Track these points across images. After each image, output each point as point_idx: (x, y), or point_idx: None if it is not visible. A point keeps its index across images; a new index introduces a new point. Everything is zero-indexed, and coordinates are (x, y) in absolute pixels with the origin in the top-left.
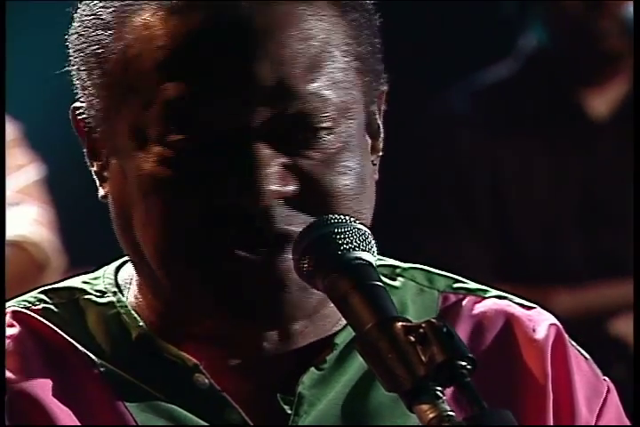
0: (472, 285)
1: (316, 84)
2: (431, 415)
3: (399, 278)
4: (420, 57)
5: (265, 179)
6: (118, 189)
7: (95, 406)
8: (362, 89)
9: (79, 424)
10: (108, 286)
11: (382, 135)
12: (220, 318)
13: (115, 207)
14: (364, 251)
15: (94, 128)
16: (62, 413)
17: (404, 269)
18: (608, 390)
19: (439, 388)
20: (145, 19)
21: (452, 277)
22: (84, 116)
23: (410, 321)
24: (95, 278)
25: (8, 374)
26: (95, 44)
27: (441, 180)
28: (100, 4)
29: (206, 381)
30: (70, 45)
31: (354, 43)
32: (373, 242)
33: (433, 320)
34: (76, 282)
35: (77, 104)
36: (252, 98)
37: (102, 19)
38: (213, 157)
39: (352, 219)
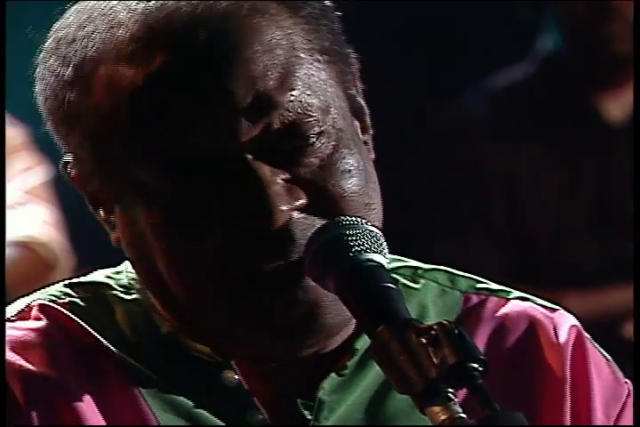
0: (494, 286)
1: (294, 93)
2: (443, 417)
3: (420, 280)
4: (436, 59)
5: (274, 199)
6: (132, 236)
7: (119, 403)
8: (336, 80)
9: (102, 425)
10: (132, 282)
11: (367, 112)
12: (259, 342)
13: (133, 253)
14: (376, 252)
15: (89, 180)
16: (86, 407)
17: (426, 270)
18: (628, 394)
19: (451, 390)
20: (108, 72)
21: (474, 278)
22: (76, 170)
23: (421, 323)
24: (118, 273)
25: (34, 367)
26: (67, 105)
27: (456, 182)
28: (58, 62)
29: (235, 377)
30: (40, 104)
31: (315, 38)
32: (385, 244)
33: (444, 322)
34: (99, 276)
35: (66, 158)
36: (236, 121)
37: (65, 77)
38: (217, 188)
39: (363, 220)
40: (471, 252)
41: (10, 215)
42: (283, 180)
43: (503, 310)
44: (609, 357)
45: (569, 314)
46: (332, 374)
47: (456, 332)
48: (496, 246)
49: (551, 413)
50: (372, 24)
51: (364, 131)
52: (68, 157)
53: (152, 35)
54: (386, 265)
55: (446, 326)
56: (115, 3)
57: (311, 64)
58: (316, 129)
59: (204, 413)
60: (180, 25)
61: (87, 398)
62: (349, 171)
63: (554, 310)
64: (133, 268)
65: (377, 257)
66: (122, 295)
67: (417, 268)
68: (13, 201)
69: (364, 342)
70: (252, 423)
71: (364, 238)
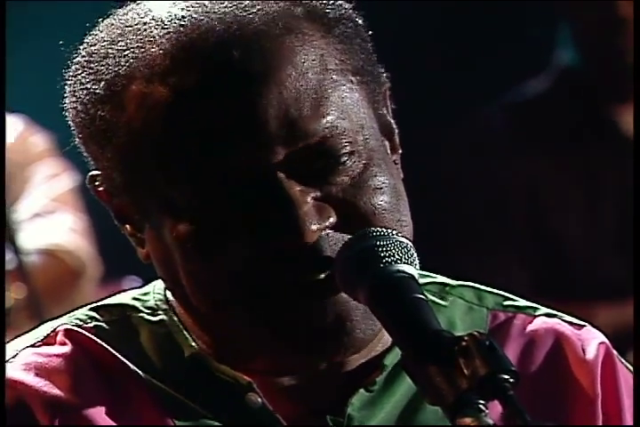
0: (522, 302)
1: (327, 119)
2: None
3: (448, 297)
4: (453, 73)
5: (304, 219)
6: (160, 253)
7: (146, 424)
8: (368, 100)
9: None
10: (158, 303)
11: (397, 131)
12: (287, 356)
13: (161, 270)
14: (406, 264)
15: (117, 196)
16: None
17: (453, 286)
18: None
19: (482, 401)
20: (140, 88)
21: (501, 295)
22: (104, 185)
23: (452, 334)
24: (145, 294)
25: (60, 392)
26: (98, 121)
27: (478, 196)
28: (90, 77)
29: (259, 400)
30: (70, 119)
31: (348, 58)
32: (415, 255)
33: (475, 333)
34: (126, 298)
35: (94, 173)
36: (267, 144)
37: (96, 93)
38: (247, 206)
39: (394, 232)
40: (497, 267)
41: (38, 223)
42: (313, 199)
43: (530, 328)
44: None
45: (596, 330)
46: (362, 390)
47: (487, 343)
48: (521, 261)
49: None
50: (388, 39)
51: (393, 150)
52: (96, 172)
53: (185, 53)
54: (416, 276)
55: (477, 337)
56: (147, 19)
57: (344, 85)
58: (348, 149)
59: None
60: (213, 44)
61: (113, 420)
62: (380, 188)
63: (581, 327)
64: (165, 284)
65: (407, 268)
66: (148, 317)
67: (445, 284)
68: (41, 209)
69: (393, 358)
70: None
71: (394, 249)
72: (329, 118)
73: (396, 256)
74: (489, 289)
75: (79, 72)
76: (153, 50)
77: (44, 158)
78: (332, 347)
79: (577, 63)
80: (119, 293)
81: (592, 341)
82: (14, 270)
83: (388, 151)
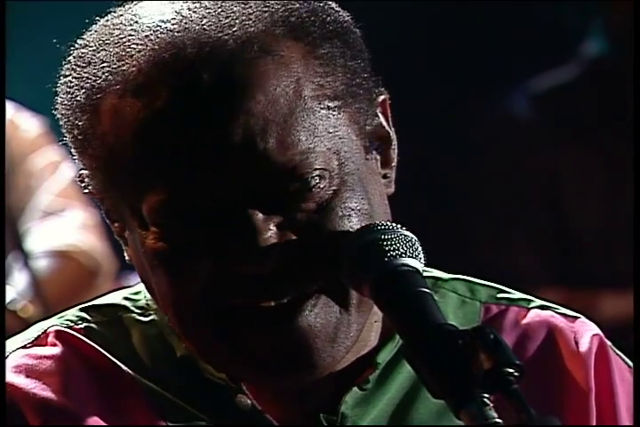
0: (515, 295)
1: (295, 147)
2: (478, 422)
3: (440, 290)
4: (480, 61)
5: (264, 245)
6: (135, 258)
7: (138, 425)
8: (350, 120)
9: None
10: (149, 302)
11: (394, 143)
12: (251, 378)
13: (139, 274)
14: (411, 257)
15: (101, 199)
16: None
17: (445, 280)
18: None
19: (486, 395)
20: (113, 102)
21: (494, 287)
22: (90, 185)
23: (457, 328)
24: (136, 293)
25: (51, 394)
26: (76, 129)
27: (498, 183)
28: (74, 83)
29: (248, 401)
30: (60, 117)
31: (328, 81)
32: (420, 249)
33: (480, 327)
34: (117, 298)
35: (81, 171)
36: (232, 170)
37: (78, 100)
38: (211, 230)
39: (398, 225)
40: (512, 253)
41: (49, 223)
42: (276, 226)
43: (523, 320)
44: (631, 363)
45: (590, 322)
46: (355, 389)
47: (492, 337)
48: (537, 248)
49: (576, 420)
50: (416, 25)
51: (385, 164)
52: (83, 171)
53: (157, 71)
54: (421, 269)
55: (482, 330)
56: (132, 29)
57: (318, 112)
58: (317, 176)
59: None
60: (183, 65)
61: (105, 421)
62: (349, 215)
63: (575, 319)
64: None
65: (412, 262)
66: (139, 318)
67: (437, 278)
68: (50, 207)
69: (385, 356)
70: None
71: (399, 243)
72: (298, 147)
73: (401, 250)
74: (482, 282)
75: (67, 73)
76: (128, 65)
77: (42, 147)
78: (292, 373)
79: (606, 53)
80: (114, 291)
81: (585, 333)
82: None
83: (376, 166)
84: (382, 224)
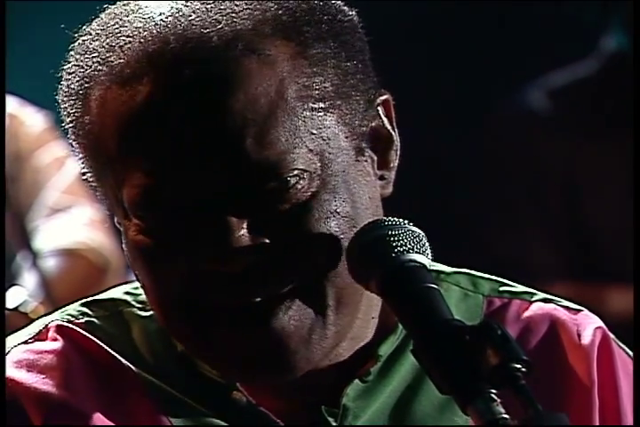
0: (518, 288)
1: (273, 148)
2: (486, 418)
3: (443, 284)
4: (498, 55)
5: (235, 244)
6: (125, 249)
7: (139, 420)
8: (339, 121)
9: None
10: None
11: (397, 144)
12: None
13: (129, 263)
14: (418, 253)
15: (95, 188)
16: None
17: (448, 273)
18: None
19: (494, 390)
20: (100, 93)
21: (497, 281)
22: (84, 170)
23: (464, 323)
24: (137, 288)
25: (52, 388)
26: (69, 116)
27: (515, 179)
28: (71, 70)
29: (244, 398)
30: (59, 102)
31: (316, 83)
32: (427, 244)
33: (488, 322)
34: (118, 293)
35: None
36: (208, 169)
37: (71, 88)
38: (187, 227)
39: (406, 221)
40: (528, 248)
41: (57, 220)
42: (249, 225)
43: (526, 313)
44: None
45: (593, 315)
46: (356, 381)
47: (499, 332)
48: (553, 243)
49: (579, 413)
50: (435, 21)
51: (383, 165)
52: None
53: (142, 65)
54: (428, 265)
55: (490, 326)
56: (127, 20)
57: (302, 113)
58: (294, 177)
59: (225, 425)
60: (168, 59)
61: (106, 416)
62: (326, 217)
63: (577, 312)
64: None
65: (419, 257)
66: (139, 312)
67: (440, 272)
68: (57, 204)
69: (387, 348)
70: None
71: (406, 239)
72: (276, 147)
73: (408, 246)
74: (485, 275)
75: (68, 60)
76: (116, 56)
77: (48, 142)
78: (266, 374)
79: (625, 48)
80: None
81: (588, 325)
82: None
83: (371, 168)
84: (389, 220)
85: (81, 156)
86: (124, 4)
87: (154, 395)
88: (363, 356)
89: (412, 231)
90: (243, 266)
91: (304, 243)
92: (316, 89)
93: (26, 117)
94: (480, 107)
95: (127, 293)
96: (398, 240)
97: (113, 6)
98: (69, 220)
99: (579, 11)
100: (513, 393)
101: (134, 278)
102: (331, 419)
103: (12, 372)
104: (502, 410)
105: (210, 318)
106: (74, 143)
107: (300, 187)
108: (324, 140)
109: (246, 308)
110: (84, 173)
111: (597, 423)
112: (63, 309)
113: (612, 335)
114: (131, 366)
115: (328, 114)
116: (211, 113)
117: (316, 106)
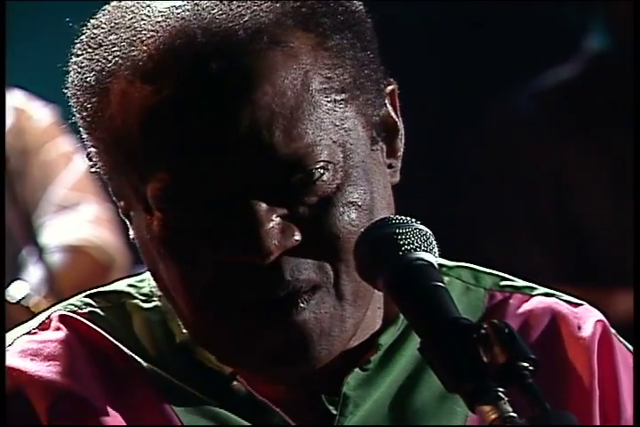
0: (519, 282)
1: (301, 140)
2: (493, 416)
3: (445, 278)
4: (483, 58)
5: (265, 236)
6: (140, 239)
7: (142, 408)
8: (357, 112)
9: (128, 425)
10: (153, 289)
11: (401, 132)
12: (248, 367)
13: (142, 256)
14: (426, 251)
15: (108, 179)
16: (110, 416)
17: (450, 267)
18: None
19: (501, 389)
20: (122, 87)
21: (498, 275)
22: (96, 165)
23: (471, 322)
24: (141, 281)
25: (56, 376)
26: (85, 111)
27: (504, 181)
28: (84, 64)
29: (243, 388)
30: (70, 97)
31: (336, 74)
32: (435, 242)
33: (495, 321)
34: (122, 285)
35: (89, 150)
36: (237, 160)
37: (87, 82)
38: (215, 219)
39: (413, 219)
40: (519, 251)
41: (64, 217)
42: (279, 217)
43: (527, 307)
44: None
45: (594, 309)
46: (357, 369)
47: (506, 331)
48: (544, 245)
49: (579, 405)
50: (419, 25)
51: (391, 154)
52: (91, 149)
53: (167, 59)
54: (435, 263)
55: (496, 324)
56: (144, 13)
57: (325, 105)
58: (321, 169)
59: (227, 413)
60: (193, 54)
61: (109, 404)
62: (350, 209)
63: (578, 305)
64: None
65: (427, 256)
66: (141, 304)
67: (441, 265)
68: (64, 200)
69: (388, 338)
70: (273, 424)
71: (413, 237)
72: (303, 140)
73: (416, 244)
74: (486, 270)
75: (79, 53)
76: (138, 51)
77: (55, 137)
78: (287, 365)
79: (608, 49)
80: (119, 280)
81: (589, 319)
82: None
83: (381, 156)
84: (397, 218)
85: (96, 150)
86: None
87: (155, 383)
88: (364, 345)
89: (420, 229)
90: (271, 258)
91: (329, 236)
92: (336, 81)
93: (33, 111)
94: (466, 111)
95: (130, 285)
96: (406, 238)
97: (119, 1)
98: (76, 217)
99: (562, 11)
100: (520, 392)
101: (138, 275)
102: (331, 407)
103: (16, 361)
104: (510, 409)
105: (234, 310)
106: (88, 137)
107: (325, 179)
108: (345, 131)
109: (271, 301)
110: (97, 168)
111: (597, 416)
112: (67, 301)
113: (612, 330)
114: (133, 355)
115: (348, 105)
116: (239, 106)
117: (337, 97)
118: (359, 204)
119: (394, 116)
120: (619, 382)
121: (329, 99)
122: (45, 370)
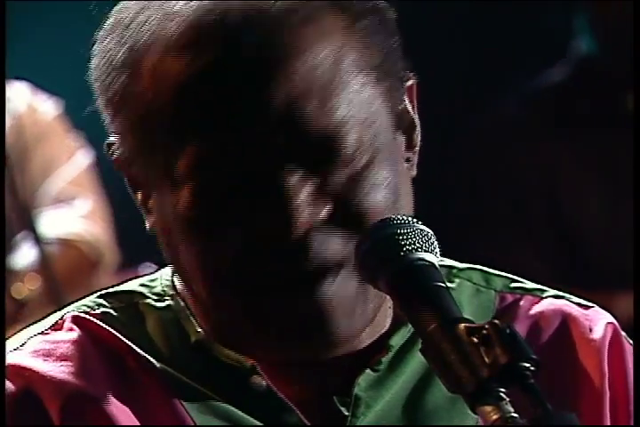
0: (530, 284)
1: (334, 115)
2: (494, 417)
3: (455, 279)
4: (472, 61)
5: (296, 208)
6: (162, 223)
7: (155, 408)
8: (383, 96)
9: (140, 425)
10: (165, 289)
11: (418, 129)
12: (275, 348)
13: (162, 239)
14: (427, 252)
15: (130, 163)
16: (123, 415)
17: (461, 269)
18: None
19: (502, 389)
20: (157, 61)
21: (509, 277)
22: (118, 151)
23: (473, 322)
24: (152, 280)
25: (68, 377)
26: (115, 87)
27: (495, 182)
28: (112, 44)
29: (263, 383)
30: (92, 82)
31: (365, 55)
32: (436, 243)
33: (496, 321)
34: (133, 285)
35: (110, 140)
36: (271, 133)
37: (117, 59)
38: (244, 193)
39: (414, 220)
40: (512, 253)
41: (59, 210)
42: (309, 190)
43: (537, 309)
44: None
45: (605, 311)
46: (368, 370)
47: (508, 331)
48: (536, 248)
49: (590, 407)
50: (412, 26)
51: (409, 147)
52: (113, 138)
53: (202, 32)
54: (437, 264)
55: (498, 325)
56: None
57: (355, 85)
58: (352, 145)
59: (240, 413)
60: (229, 28)
61: (122, 404)
62: (379, 186)
63: (588, 308)
64: (164, 254)
65: (428, 256)
66: (154, 303)
67: (452, 267)
68: (61, 194)
69: (399, 339)
70: (288, 423)
71: (415, 237)
72: (336, 115)
73: (417, 244)
74: (496, 272)
75: (104, 37)
76: (172, 25)
77: (59, 130)
78: (310, 343)
79: (594, 51)
80: (130, 280)
81: (599, 321)
82: (36, 261)
83: (402, 148)
84: (398, 218)
85: (120, 131)
86: None
87: (169, 383)
88: (374, 346)
89: (421, 230)
90: (301, 231)
91: (356, 214)
92: (366, 61)
93: (38, 105)
94: (458, 111)
95: (142, 285)
96: (407, 239)
97: None
98: (69, 211)
99: (549, 14)
100: (522, 392)
101: (128, 273)
102: (343, 408)
103: (28, 361)
104: (511, 409)
105: (262, 286)
106: (113, 119)
107: (356, 156)
108: (372, 113)
109: (297, 278)
110: (119, 154)
111: (608, 418)
112: (79, 301)
113: (623, 333)
114: (146, 355)
115: (374, 89)
116: (273, 81)
117: (364, 80)
118: (386, 182)
119: (411, 111)
120: (629, 384)
121: (357, 79)
122: (58, 370)
